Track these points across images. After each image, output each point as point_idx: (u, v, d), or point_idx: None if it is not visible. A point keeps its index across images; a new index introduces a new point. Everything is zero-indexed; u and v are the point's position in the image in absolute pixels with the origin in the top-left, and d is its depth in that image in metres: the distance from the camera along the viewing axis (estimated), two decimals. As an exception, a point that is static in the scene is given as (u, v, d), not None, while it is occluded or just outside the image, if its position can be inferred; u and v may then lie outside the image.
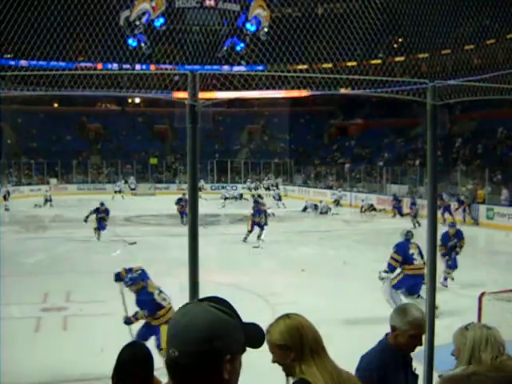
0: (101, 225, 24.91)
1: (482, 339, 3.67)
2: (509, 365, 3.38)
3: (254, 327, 2.21)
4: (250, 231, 24.42)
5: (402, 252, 12.70)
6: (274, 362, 3.25)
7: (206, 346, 1.94)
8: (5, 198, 40.29)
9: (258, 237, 24.07)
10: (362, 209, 38.84)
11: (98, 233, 24.78)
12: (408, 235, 13.23)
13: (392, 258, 12.75)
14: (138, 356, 3.89)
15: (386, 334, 4.31)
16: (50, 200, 43.26)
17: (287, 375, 3.23)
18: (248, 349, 2.13)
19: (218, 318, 1.98)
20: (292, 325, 3.24)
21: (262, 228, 24.38)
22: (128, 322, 10.23)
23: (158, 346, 10.30)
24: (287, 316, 3.33)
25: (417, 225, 29.08)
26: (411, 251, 12.66)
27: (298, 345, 3.16)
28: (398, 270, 12.86)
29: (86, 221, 24.98)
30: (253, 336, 2.17)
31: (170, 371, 2.00)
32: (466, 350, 3.25)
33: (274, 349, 3.23)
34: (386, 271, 12.85)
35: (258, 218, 24.47)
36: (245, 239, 24.44)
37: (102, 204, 25.25)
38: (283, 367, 3.23)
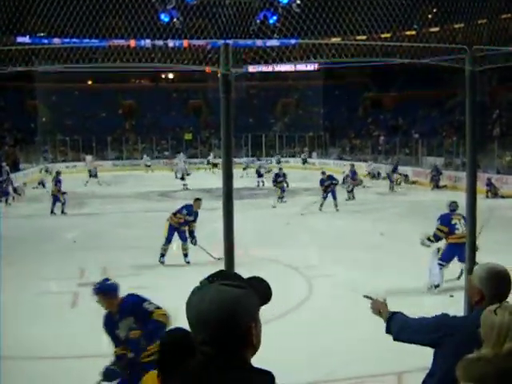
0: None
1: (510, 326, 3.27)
2: None
3: (260, 284, 2.27)
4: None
5: (447, 223, 12.89)
6: None
7: (232, 324, 2.08)
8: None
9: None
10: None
11: None
12: (452, 206, 13.47)
13: (438, 229, 12.92)
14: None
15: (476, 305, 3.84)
16: (95, 176, 42.74)
17: None
18: None
19: (234, 295, 2.10)
20: None
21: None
22: None
23: None
24: None
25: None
26: (454, 221, 12.86)
27: None
28: (443, 242, 12.89)
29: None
30: (261, 294, 2.23)
31: (203, 354, 2.11)
32: (494, 335, 3.02)
33: None
34: (430, 240, 12.94)
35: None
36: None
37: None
38: None
